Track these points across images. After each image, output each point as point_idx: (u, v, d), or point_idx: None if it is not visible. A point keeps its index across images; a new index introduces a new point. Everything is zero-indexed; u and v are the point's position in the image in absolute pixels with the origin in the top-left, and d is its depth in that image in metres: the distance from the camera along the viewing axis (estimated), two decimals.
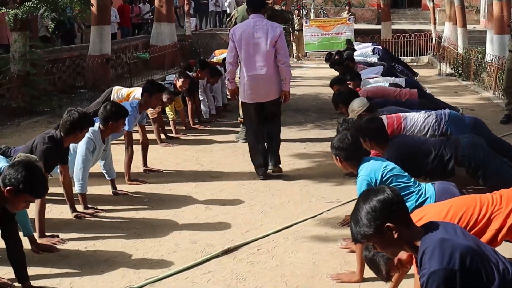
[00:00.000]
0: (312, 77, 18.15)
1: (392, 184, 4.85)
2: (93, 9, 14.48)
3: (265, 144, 7.82)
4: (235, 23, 9.77)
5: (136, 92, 9.05)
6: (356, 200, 3.31)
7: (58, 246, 5.43)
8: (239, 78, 7.84)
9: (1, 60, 12.72)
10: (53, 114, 12.07)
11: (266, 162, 7.70)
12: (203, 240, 5.64)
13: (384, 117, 6.55)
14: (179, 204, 6.67)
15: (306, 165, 8.33)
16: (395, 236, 3.06)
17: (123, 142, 7.64)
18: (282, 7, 21.17)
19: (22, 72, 11.96)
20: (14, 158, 5.12)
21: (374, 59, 15.03)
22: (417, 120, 6.53)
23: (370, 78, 10.80)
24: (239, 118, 9.78)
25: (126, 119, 6.95)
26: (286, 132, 10.37)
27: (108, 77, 15.70)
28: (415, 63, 22.29)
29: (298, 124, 11.21)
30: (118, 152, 8.12)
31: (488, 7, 17.24)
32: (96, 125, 6.56)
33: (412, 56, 23.45)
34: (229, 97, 9.45)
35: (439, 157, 5.62)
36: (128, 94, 9.27)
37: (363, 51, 16.51)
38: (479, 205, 3.92)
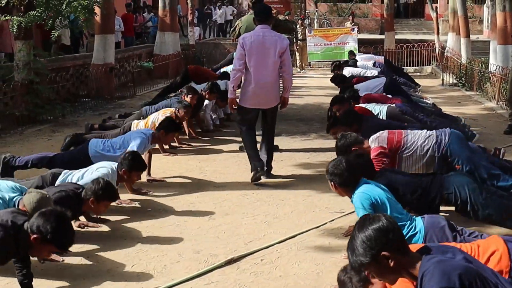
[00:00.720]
0: (316, 87, 18.15)
1: (387, 212, 4.88)
2: (97, 18, 14.50)
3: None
4: (239, 34, 9.81)
5: (152, 118, 9.12)
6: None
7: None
8: (241, 85, 8.10)
9: (5, 69, 12.78)
10: (56, 123, 12.09)
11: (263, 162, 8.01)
12: (206, 250, 5.62)
13: (385, 132, 6.55)
14: (182, 214, 6.66)
15: (309, 175, 8.30)
16: (392, 264, 3.06)
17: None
18: (286, 17, 21.30)
19: (25, 81, 11.99)
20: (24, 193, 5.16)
21: (375, 72, 15.06)
22: (417, 139, 6.50)
23: (369, 96, 10.85)
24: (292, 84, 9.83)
25: (137, 145, 7.10)
26: (289, 142, 10.40)
27: (111, 86, 15.73)
28: (418, 73, 22.30)
29: (302, 134, 11.19)
30: None
31: (492, 18, 17.29)
32: (115, 165, 6.65)
33: (415, 66, 23.43)
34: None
35: (425, 195, 5.61)
36: (145, 124, 9.28)
37: (364, 63, 16.58)
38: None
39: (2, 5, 11.75)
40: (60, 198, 5.62)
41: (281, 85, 8.20)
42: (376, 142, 6.53)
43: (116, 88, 16.33)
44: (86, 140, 7.92)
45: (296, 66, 23.65)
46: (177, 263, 5.35)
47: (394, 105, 10.15)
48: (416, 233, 4.89)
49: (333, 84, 14.88)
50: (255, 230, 6.17)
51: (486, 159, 6.47)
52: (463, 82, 17.78)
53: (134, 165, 6.62)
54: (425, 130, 6.68)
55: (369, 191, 5.09)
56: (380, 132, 6.65)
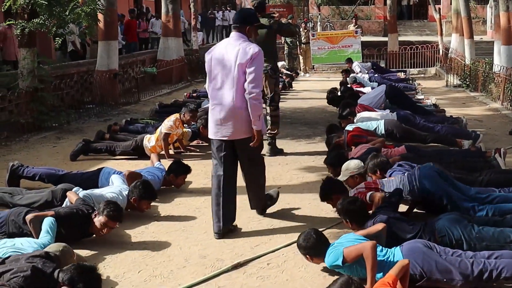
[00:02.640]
0: (320, 90, 18.09)
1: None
2: (100, 24, 14.54)
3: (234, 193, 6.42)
4: None
5: (160, 128, 9.52)
6: None
7: None
8: None
9: (9, 77, 12.81)
10: (61, 130, 12.13)
11: (229, 217, 6.20)
12: (212, 255, 5.62)
13: (362, 184, 6.62)
14: (188, 219, 6.67)
15: (315, 178, 8.28)
16: None
17: (136, 158, 7.64)
18: (289, 20, 21.36)
19: (30, 88, 12.01)
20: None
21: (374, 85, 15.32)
22: (392, 186, 6.47)
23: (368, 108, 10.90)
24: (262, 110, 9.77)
25: (152, 182, 7.10)
26: (294, 146, 10.42)
27: (115, 92, 15.78)
28: (422, 75, 22.33)
29: (306, 138, 11.20)
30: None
31: (495, 18, 17.26)
32: (125, 192, 6.69)
33: (419, 67, 23.44)
34: None
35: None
36: (156, 138, 9.42)
37: (360, 76, 16.91)
38: None
39: (5, 9, 11.79)
40: (70, 214, 5.69)
41: None
42: (355, 190, 6.56)
43: (120, 94, 16.37)
44: (98, 169, 7.81)
45: (300, 70, 23.68)
46: (183, 268, 5.36)
47: (391, 114, 10.22)
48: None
49: (337, 87, 15.01)
50: (261, 234, 6.17)
51: (463, 188, 6.42)
52: (467, 83, 17.78)
53: (144, 194, 6.61)
54: (400, 176, 6.57)
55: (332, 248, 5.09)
56: (358, 186, 6.67)
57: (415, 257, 4.85)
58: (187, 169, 7.88)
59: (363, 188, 6.49)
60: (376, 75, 17.88)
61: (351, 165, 7.24)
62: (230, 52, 6.07)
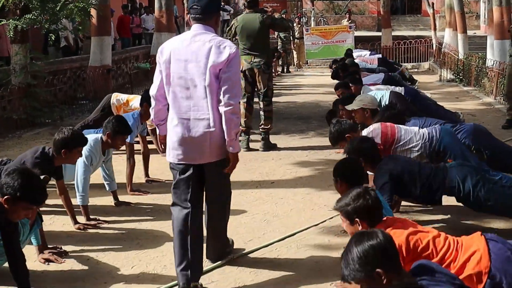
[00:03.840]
0: (314, 85, 18.17)
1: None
2: (93, 20, 14.51)
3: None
4: (235, 33, 9.77)
5: (135, 101, 9.08)
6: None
7: (61, 258, 5.40)
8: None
9: (2, 72, 12.77)
10: (54, 126, 12.08)
11: (198, 267, 4.82)
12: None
13: (379, 125, 6.51)
14: None
15: (308, 173, 8.29)
16: (384, 281, 3.12)
17: (125, 152, 7.61)
18: (282, 15, 21.34)
19: (23, 84, 11.99)
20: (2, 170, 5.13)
21: (375, 65, 15.19)
22: (410, 135, 6.42)
23: (371, 85, 10.78)
24: (240, 127, 9.75)
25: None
26: (288, 140, 10.42)
27: (109, 87, 15.74)
28: (416, 70, 22.36)
29: (300, 132, 11.21)
30: (119, 163, 8.09)
31: (488, 13, 17.29)
32: (99, 135, 6.57)
33: (413, 62, 23.48)
34: None
35: (427, 187, 5.59)
36: (127, 100, 9.34)
37: (361, 53, 16.85)
38: (446, 248, 3.97)
39: None
40: (33, 163, 5.52)
41: None
42: (370, 135, 6.46)
43: (113, 89, 16.31)
44: None
45: (294, 65, 23.69)
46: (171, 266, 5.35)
47: (398, 88, 10.12)
48: None
49: (331, 82, 14.93)
50: (254, 229, 6.17)
51: (475, 156, 6.46)
52: (460, 77, 17.83)
53: (118, 128, 6.55)
54: (417, 128, 6.64)
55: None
56: (374, 125, 6.60)
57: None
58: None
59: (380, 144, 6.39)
60: (377, 54, 17.80)
61: (367, 98, 7.21)
62: (198, 50, 4.60)
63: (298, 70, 23.36)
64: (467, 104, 13.93)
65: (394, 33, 27.00)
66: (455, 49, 19.52)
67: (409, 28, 34.97)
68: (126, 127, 6.72)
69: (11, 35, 11.71)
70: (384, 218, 4.23)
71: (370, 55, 17.32)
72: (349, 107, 7.15)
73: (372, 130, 6.46)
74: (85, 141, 5.94)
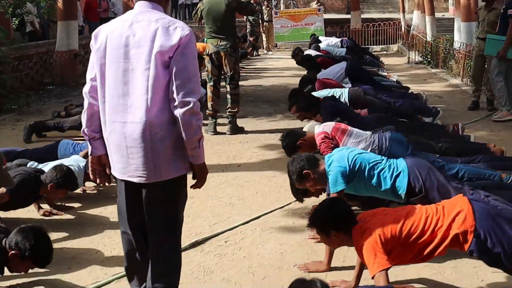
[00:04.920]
0: (282, 68, 18.15)
1: (362, 166, 4.99)
2: (59, 4, 14.33)
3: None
4: (201, 17, 9.72)
5: None
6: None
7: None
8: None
9: None
10: (20, 112, 11.96)
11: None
12: None
13: (332, 123, 6.52)
14: None
15: (275, 156, 8.31)
16: None
17: None
18: None
19: None
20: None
21: (342, 51, 15.25)
22: (360, 138, 6.36)
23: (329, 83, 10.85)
24: (207, 111, 9.76)
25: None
26: (255, 124, 10.42)
27: (76, 73, 15.57)
28: (385, 52, 22.46)
29: (268, 115, 11.21)
30: None
31: None
32: (82, 164, 6.54)
33: (381, 45, 23.56)
34: None
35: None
36: None
37: (331, 41, 16.89)
38: (424, 216, 4.03)
39: None
40: (20, 180, 5.59)
41: None
42: (321, 128, 6.49)
43: (81, 75, 16.13)
44: (56, 141, 7.63)
45: (263, 48, 23.66)
46: None
47: (356, 87, 10.23)
48: (400, 172, 4.98)
49: (299, 66, 15.01)
50: (219, 212, 6.19)
51: (427, 156, 6.46)
52: (428, 59, 17.93)
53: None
54: (370, 132, 6.52)
55: (341, 162, 5.05)
56: (328, 122, 6.64)
57: (419, 170, 4.94)
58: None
59: (329, 140, 6.37)
60: (347, 39, 17.88)
61: (312, 127, 7.22)
62: (141, 33, 3.58)
63: (267, 53, 23.32)
64: (434, 86, 14.04)
65: (364, 16, 27.04)
66: (423, 31, 19.62)
67: (378, 10, 35.05)
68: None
69: None
70: (360, 216, 4.26)
71: (340, 41, 17.30)
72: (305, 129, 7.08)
73: (325, 125, 6.50)
74: (75, 187, 5.97)
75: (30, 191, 5.74)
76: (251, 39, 21.11)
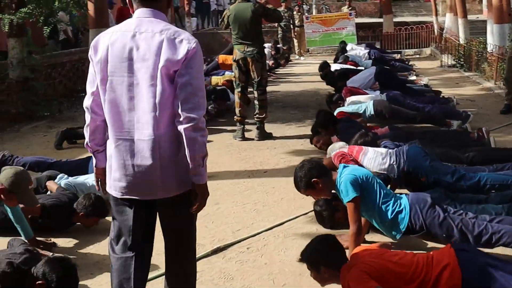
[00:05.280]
0: (313, 73, 18.02)
1: (375, 188, 4.99)
2: (90, 12, 14.47)
3: None
4: (228, 24, 9.74)
5: None
6: None
7: (49, 252, 5.45)
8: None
9: None
10: (53, 119, 12.13)
11: None
12: None
13: (346, 148, 6.70)
14: None
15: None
16: None
17: None
18: (282, 3, 21.31)
19: (20, 78, 12.01)
20: None
21: (369, 63, 15.32)
22: (378, 156, 6.43)
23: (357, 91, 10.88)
24: (235, 117, 9.78)
25: None
26: (284, 129, 10.41)
27: None
28: (417, 56, 22.28)
29: (297, 121, 11.17)
30: None
31: None
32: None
33: (414, 48, 23.37)
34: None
35: None
36: None
37: (358, 52, 16.95)
38: (414, 265, 4.00)
39: None
40: (53, 206, 5.71)
41: None
42: (337, 150, 6.72)
43: None
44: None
45: (295, 53, 23.63)
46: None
47: (380, 95, 10.22)
48: (402, 209, 4.96)
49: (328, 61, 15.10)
50: (243, 218, 6.19)
51: (448, 167, 6.36)
52: (461, 63, 17.71)
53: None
54: (386, 149, 6.54)
55: (354, 172, 5.06)
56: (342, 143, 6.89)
57: (420, 207, 4.91)
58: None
59: (347, 155, 6.48)
60: (375, 50, 17.93)
61: (336, 146, 7.27)
62: (144, 45, 3.46)
63: (299, 58, 23.28)
64: (467, 90, 13.86)
65: (396, 19, 26.86)
66: (456, 34, 19.41)
67: (411, 13, 34.80)
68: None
69: (7, 30, 11.71)
70: (351, 256, 4.27)
71: (368, 53, 17.31)
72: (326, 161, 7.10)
73: (341, 147, 6.77)
74: (105, 214, 5.87)
75: (63, 217, 5.82)
76: (284, 47, 21.03)
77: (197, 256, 5.07)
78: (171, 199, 3.61)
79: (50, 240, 5.68)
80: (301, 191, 5.20)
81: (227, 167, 8.09)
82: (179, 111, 3.40)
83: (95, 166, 3.87)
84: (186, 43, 3.45)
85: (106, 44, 3.52)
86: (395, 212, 4.95)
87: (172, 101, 3.44)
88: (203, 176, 3.55)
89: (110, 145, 3.62)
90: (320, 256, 4.16)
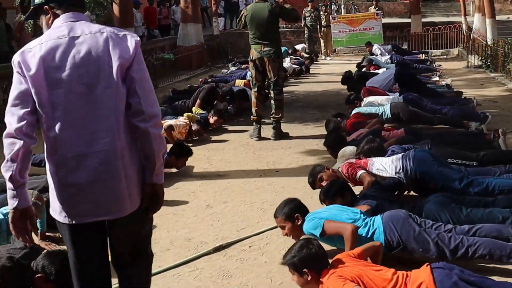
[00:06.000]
0: (338, 73, 17.96)
1: (343, 219, 5.01)
2: (115, 12, 14.69)
3: None
4: (245, 24, 9.77)
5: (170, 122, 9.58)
6: None
7: (55, 245, 5.57)
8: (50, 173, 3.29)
9: None
10: None
11: None
12: (198, 237, 5.70)
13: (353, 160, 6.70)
14: (180, 203, 6.76)
15: (315, 161, 8.25)
16: None
17: None
18: (309, 3, 21.32)
19: None
20: None
21: (391, 67, 15.29)
22: (384, 168, 6.39)
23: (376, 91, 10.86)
24: (251, 117, 9.82)
25: None
26: (301, 129, 10.43)
27: None
28: (445, 56, 22.09)
29: (315, 121, 11.14)
30: None
31: None
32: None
33: (442, 49, 23.18)
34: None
35: None
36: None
37: (381, 58, 16.99)
38: (394, 281, 4.04)
39: (17, 4, 11.96)
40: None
41: None
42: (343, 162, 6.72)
43: None
44: None
45: (321, 53, 23.59)
46: (167, 250, 5.44)
47: (398, 98, 10.19)
48: (376, 229, 4.94)
49: (355, 69, 15.06)
50: (249, 217, 6.23)
51: (457, 170, 6.32)
52: (488, 63, 17.51)
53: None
54: (391, 158, 6.48)
55: (313, 214, 5.18)
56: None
57: (394, 223, 4.89)
58: (189, 152, 8.06)
59: (354, 163, 6.52)
60: (397, 55, 17.87)
61: (347, 152, 7.28)
62: (86, 48, 3.18)
63: (326, 58, 23.24)
64: (491, 91, 13.70)
65: (425, 19, 26.65)
66: (483, 35, 19.19)
67: (442, 14, 34.44)
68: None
69: (30, 31, 11.91)
70: (332, 261, 4.29)
71: (389, 58, 17.32)
72: (336, 166, 7.11)
73: (347, 158, 6.88)
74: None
75: None
76: (308, 55, 21.07)
77: (197, 254, 5.22)
78: (129, 217, 3.31)
79: (59, 235, 5.78)
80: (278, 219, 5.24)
81: (240, 166, 8.14)
82: (142, 107, 3.17)
83: (16, 207, 3.16)
84: (130, 37, 3.27)
85: (38, 56, 3.13)
86: (369, 233, 4.92)
87: (126, 101, 3.20)
88: (163, 175, 3.39)
89: (63, 169, 3.17)
90: (302, 259, 4.19)
